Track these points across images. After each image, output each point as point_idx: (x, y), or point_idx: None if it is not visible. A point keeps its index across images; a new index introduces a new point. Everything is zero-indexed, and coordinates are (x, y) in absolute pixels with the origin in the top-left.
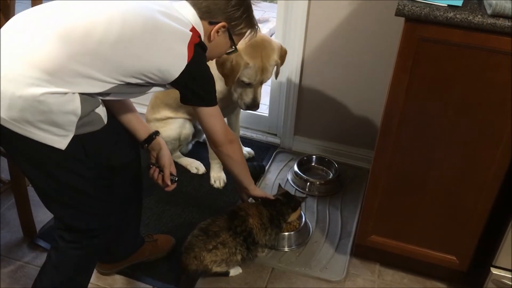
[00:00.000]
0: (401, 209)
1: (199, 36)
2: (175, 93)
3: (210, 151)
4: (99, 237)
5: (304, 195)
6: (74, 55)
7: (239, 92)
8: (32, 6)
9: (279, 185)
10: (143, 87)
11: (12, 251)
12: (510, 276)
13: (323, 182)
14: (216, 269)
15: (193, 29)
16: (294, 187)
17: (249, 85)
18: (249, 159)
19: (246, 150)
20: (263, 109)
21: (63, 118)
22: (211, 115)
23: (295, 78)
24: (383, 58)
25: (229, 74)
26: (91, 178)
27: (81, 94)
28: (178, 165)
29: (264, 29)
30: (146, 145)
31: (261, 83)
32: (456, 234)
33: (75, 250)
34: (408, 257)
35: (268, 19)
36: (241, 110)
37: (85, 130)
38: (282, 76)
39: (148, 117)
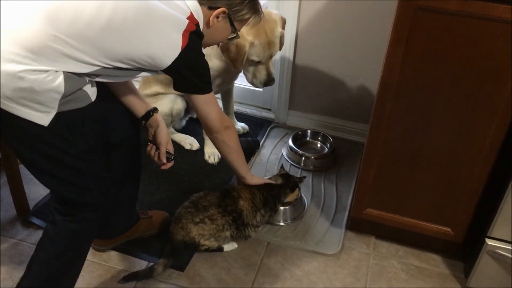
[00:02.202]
0: (396, 181)
1: (197, 24)
2: None
3: None
4: (95, 211)
5: (305, 176)
6: (60, 36)
7: (252, 72)
8: None
9: (282, 165)
10: (133, 71)
11: (5, 229)
12: (505, 246)
13: (318, 156)
14: (205, 242)
15: (191, 16)
16: (289, 162)
17: (259, 62)
18: (243, 134)
19: (241, 125)
20: None
21: (45, 96)
22: (206, 102)
23: (289, 53)
24: (378, 30)
25: (236, 57)
26: (78, 153)
27: (65, 72)
28: (172, 142)
29: None
30: (144, 122)
31: (270, 57)
32: (451, 205)
33: (70, 223)
34: (403, 229)
35: None
36: (234, 84)
37: (69, 107)
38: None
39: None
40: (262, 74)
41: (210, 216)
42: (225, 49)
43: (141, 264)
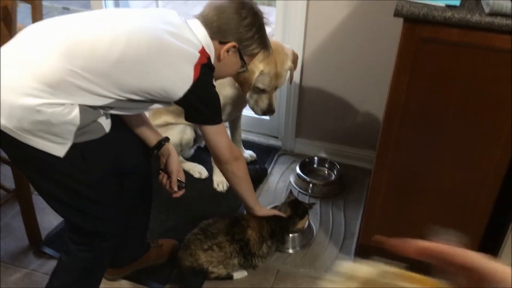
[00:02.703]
0: (404, 207)
1: (208, 58)
2: None
3: None
4: (108, 240)
5: (314, 203)
6: (77, 70)
7: (255, 99)
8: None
9: (291, 191)
10: (146, 103)
11: (18, 259)
12: None
13: (325, 183)
14: (214, 269)
15: (202, 50)
16: (297, 189)
17: (263, 91)
18: (251, 162)
19: (248, 153)
20: None
21: (61, 128)
22: (216, 132)
23: (296, 80)
24: (383, 58)
25: (244, 82)
26: (93, 184)
27: (81, 105)
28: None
29: None
30: (156, 151)
31: (275, 88)
32: (459, 230)
33: (84, 253)
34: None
35: (268, 24)
36: (242, 113)
37: (84, 139)
38: None
39: None
40: (264, 103)
41: (218, 243)
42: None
43: None
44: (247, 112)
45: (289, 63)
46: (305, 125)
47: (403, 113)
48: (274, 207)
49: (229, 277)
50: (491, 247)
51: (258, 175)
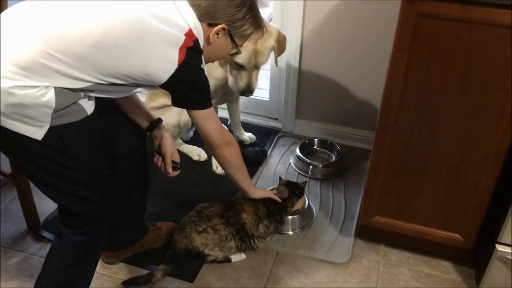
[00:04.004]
0: (404, 188)
1: (195, 40)
2: None
3: None
4: (100, 223)
5: (306, 179)
6: (51, 52)
7: (234, 75)
8: None
9: (280, 178)
10: (129, 86)
11: (17, 243)
12: None
13: (325, 165)
14: (210, 252)
15: (189, 33)
16: (297, 170)
17: (243, 68)
18: (250, 144)
19: (248, 135)
20: (264, 94)
21: (36, 110)
22: (205, 117)
23: (295, 62)
24: (382, 37)
25: None
26: (77, 167)
27: (56, 87)
28: (179, 153)
29: (263, 15)
30: (149, 133)
31: (256, 67)
32: (459, 212)
33: (76, 236)
34: (412, 236)
35: (267, 4)
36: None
37: (62, 121)
38: (281, 60)
39: (146, 106)
40: (243, 81)
41: (213, 226)
42: None
43: None
44: None
45: (271, 42)
46: (305, 106)
47: (401, 92)
48: (272, 189)
49: (227, 260)
50: (492, 228)
51: (258, 157)
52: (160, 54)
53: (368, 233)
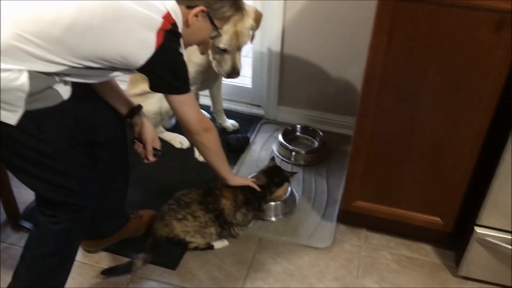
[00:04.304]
0: (385, 173)
1: (173, 24)
2: None
3: None
4: (78, 212)
5: (296, 172)
6: (24, 35)
7: (218, 59)
8: None
9: (273, 157)
10: (105, 70)
11: None
12: (494, 234)
13: (308, 151)
14: (191, 239)
15: (167, 15)
16: (279, 157)
17: (226, 51)
18: (233, 132)
19: (230, 122)
20: (246, 81)
21: (9, 94)
22: (184, 103)
23: (276, 47)
24: (366, 22)
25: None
26: (53, 153)
27: (30, 71)
28: (161, 140)
29: None
30: (129, 120)
31: (238, 48)
32: (439, 195)
33: (53, 225)
34: (393, 220)
35: None
36: (222, 81)
37: (37, 106)
38: (263, 46)
39: (128, 93)
40: (227, 64)
41: (192, 212)
42: None
43: None
44: (229, 81)
45: (250, 21)
46: (287, 93)
47: (381, 76)
48: (253, 177)
49: (210, 247)
50: (471, 209)
51: (240, 144)
52: (137, 37)
53: (350, 218)
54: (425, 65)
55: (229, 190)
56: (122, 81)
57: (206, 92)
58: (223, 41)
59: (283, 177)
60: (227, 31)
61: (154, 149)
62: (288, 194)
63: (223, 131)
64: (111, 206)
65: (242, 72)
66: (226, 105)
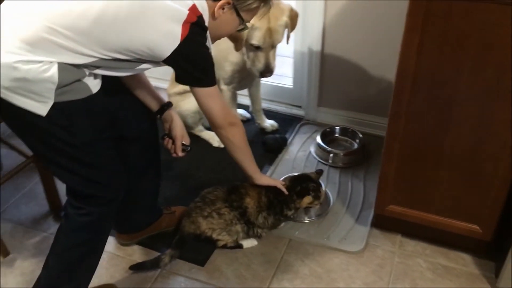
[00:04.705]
0: (418, 176)
1: (199, 16)
2: None
3: None
4: (106, 205)
5: (322, 170)
6: (54, 27)
7: (251, 58)
8: None
9: (320, 170)
10: (133, 62)
11: (39, 223)
12: None
13: (346, 153)
14: (218, 237)
15: (193, 8)
16: (317, 159)
17: (259, 48)
18: (272, 132)
19: (269, 122)
20: (288, 81)
21: (40, 86)
22: (208, 95)
23: (317, 47)
24: None
25: (236, 38)
26: (81, 145)
27: (60, 63)
28: (200, 139)
29: None
30: (159, 116)
31: (272, 46)
32: (477, 201)
33: (81, 217)
34: (429, 227)
35: None
36: (263, 81)
37: (66, 98)
38: (304, 46)
39: (168, 92)
40: (260, 62)
41: (217, 210)
42: None
43: None
44: (269, 81)
45: (284, 19)
46: (327, 93)
47: (414, 76)
48: (284, 179)
49: (239, 246)
50: None
51: (277, 144)
52: (162, 29)
53: (385, 222)
54: (459, 63)
55: (255, 189)
56: (163, 80)
57: (245, 91)
58: (256, 38)
59: (303, 188)
60: (260, 27)
61: (183, 145)
62: (318, 203)
63: (261, 131)
64: (143, 201)
65: (283, 72)
66: (266, 105)
